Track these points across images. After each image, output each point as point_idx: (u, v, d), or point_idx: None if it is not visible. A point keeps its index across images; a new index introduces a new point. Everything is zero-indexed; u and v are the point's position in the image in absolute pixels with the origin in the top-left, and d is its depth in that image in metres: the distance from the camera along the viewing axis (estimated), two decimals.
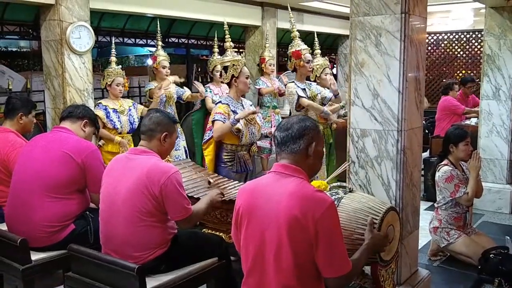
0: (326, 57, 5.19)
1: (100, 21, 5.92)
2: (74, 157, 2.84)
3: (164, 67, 5.08)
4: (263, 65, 6.37)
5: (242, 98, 3.98)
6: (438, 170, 3.90)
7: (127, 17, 6.17)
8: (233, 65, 3.83)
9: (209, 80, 7.00)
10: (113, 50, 4.82)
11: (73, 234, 2.85)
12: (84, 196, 2.98)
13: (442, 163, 3.94)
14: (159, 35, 5.26)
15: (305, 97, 4.55)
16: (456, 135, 3.95)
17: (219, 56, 5.60)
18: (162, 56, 5.11)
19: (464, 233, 3.89)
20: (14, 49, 10.58)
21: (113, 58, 4.73)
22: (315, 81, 4.86)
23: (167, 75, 5.08)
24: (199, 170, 3.50)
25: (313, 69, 4.82)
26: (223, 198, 2.91)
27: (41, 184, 2.81)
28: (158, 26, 5.31)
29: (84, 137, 3.09)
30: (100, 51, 10.64)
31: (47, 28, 4.43)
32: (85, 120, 3.11)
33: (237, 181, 3.53)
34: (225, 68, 3.89)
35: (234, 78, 3.85)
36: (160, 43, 5.25)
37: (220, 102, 3.87)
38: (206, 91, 5.46)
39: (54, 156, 2.85)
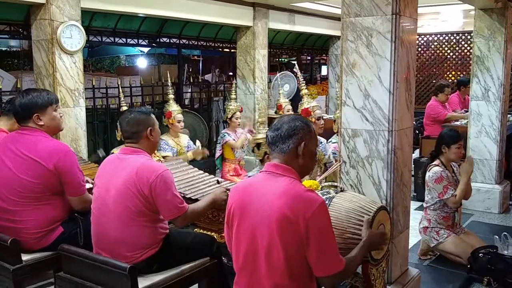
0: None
1: (91, 20, 5.87)
2: (45, 164, 2.71)
3: (179, 121, 4.93)
4: (281, 112, 6.25)
5: None
6: (429, 170, 3.94)
7: (118, 16, 6.12)
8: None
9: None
10: (122, 98, 4.74)
11: (62, 237, 2.80)
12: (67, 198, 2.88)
13: (433, 163, 3.97)
14: (170, 89, 5.15)
15: None
16: (450, 137, 3.97)
17: (237, 104, 5.60)
18: (177, 111, 4.94)
19: (453, 233, 3.93)
20: (3, 49, 10.53)
21: (124, 108, 4.60)
22: (337, 132, 4.74)
23: (181, 129, 4.97)
24: (191, 171, 3.50)
25: (335, 120, 4.69)
26: None
27: (16, 192, 2.72)
28: (169, 79, 5.22)
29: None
30: (91, 51, 10.60)
31: (37, 28, 4.39)
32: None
33: (228, 181, 3.54)
34: (258, 145, 3.86)
35: (267, 155, 3.80)
36: (172, 96, 5.10)
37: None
38: (224, 136, 5.49)
39: (24, 164, 2.72)
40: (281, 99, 6.40)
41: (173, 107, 4.97)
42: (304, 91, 4.79)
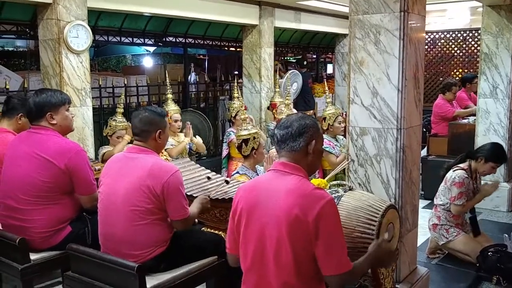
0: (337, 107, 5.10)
1: (98, 20, 5.87)
2: (56, 163, 2.71)
3: (176, 121, 4.89)
4: (274, 111, 6.26)
5: (257, 166, 3.95)
6: (454, 170, 3.89)
7: (125, 16, 6.12)
8: (254, 138, 3.85)
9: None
10: (122, 100, 4.70)
11: (70, 236, 2.80)
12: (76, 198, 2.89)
13: (461, 165, 3.92)
14: (169, 88, 5.16)
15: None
16: (495, 155, 3.89)
17: (239, 102, 5.58)
18: (174, 110, 4.93)
19: (463, 231, 3.90)
20: (10, 49, 10.55)
21: (119, 110, 4.53)
22: (327, 129, 4.75)
23: (179, 128, 4.94)
24: (198, 170, 3.50)
25: (325, 118, 4.80)
26: (222, 197, 2.92)
27: (26, 191, 2.72)
28: (168, 80, 5.25)
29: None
30: (97, 50, 10.62)
31: (44, 27, 4.40)
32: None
33: (236, 180, 3.53)
34: (246, 141, 3.84)
35: (254, 151, 3.84)
36: (170, 95, 5.11)
37: (237, 173, 3.83)
38: (230, 134, 5.43)
39: (36, 162, 2.72)
40: (275, 98, 6.41)
41: (171, 107, 4.97)
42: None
